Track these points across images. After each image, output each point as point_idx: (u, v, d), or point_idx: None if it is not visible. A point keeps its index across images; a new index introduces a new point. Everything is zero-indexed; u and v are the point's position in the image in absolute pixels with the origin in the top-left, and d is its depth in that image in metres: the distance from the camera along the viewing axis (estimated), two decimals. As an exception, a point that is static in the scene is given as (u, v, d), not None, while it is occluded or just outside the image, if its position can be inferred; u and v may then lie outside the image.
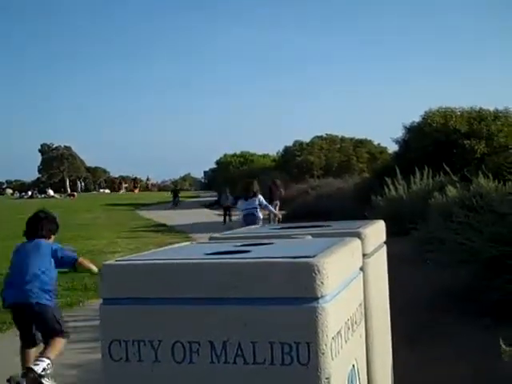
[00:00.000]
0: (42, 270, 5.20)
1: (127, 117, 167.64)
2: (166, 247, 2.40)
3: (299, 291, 1.66)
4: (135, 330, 1.80)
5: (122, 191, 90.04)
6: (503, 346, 3.70)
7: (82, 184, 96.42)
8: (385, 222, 3.22)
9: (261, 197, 13.05)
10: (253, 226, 4.19)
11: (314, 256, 1.72)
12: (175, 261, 1.85)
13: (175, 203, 40.15)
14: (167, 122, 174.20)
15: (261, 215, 12.97)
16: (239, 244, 2.24)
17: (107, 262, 1.89)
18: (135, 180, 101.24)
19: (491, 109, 20.26)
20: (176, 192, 43.28)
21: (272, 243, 2.22)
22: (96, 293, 8.25)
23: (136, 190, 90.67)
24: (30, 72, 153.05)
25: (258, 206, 12.73)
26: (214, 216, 29.92)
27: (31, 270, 5.17)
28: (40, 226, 5.48)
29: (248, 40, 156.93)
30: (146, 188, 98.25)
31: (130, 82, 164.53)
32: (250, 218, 12.19)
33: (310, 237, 2.41)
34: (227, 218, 24.92)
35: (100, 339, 1.85)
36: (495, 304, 6.39)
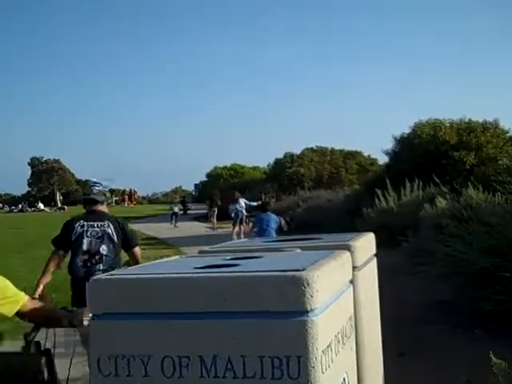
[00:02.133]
0: (275, 228, 11.15)
1: (117, 130, 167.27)
2: (154, 261, 2.39)
3: (289, 305, 1.66)
4: (124, 344, 1.79)
5: (130, 203, 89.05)
6: (493, 359, 3.69)
7: (60, 198, 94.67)
8: (375, 233, 3.23)
9: (244, 200, 22.98)
10: (242, 240, 4.24)
11: (303, 269, 1.72)
12: (164, 275, 1.84)
13: (185, 212, 45.65)
14: (157, 134, 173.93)
15: (245, 212, 22.25)
16: (228, 258, 2.24)
17: (96, 277, 1.88)
18: (131, 192, 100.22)
19: (480, 120, 20.40)
20: (183, 202, 48.36)
21: (261, 256, 2.21)
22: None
23: (133, 203, 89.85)
24: (18, 85, 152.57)
25: (243, 206, 22.29)
26: (203, 229, 29.91)
27: (271, 227, 11.25)
28: (266, 205, 12.39)
29: (235, 52, 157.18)
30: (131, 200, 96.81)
31: (119, 95, 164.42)
32: (238, 213, 21.93)
33: (299, 250, 2.40)
34: (173, 221, 32.81)
35: (89, 355, 1.84)
36: (486, 315, 6.40)
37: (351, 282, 2.27)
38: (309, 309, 1.65)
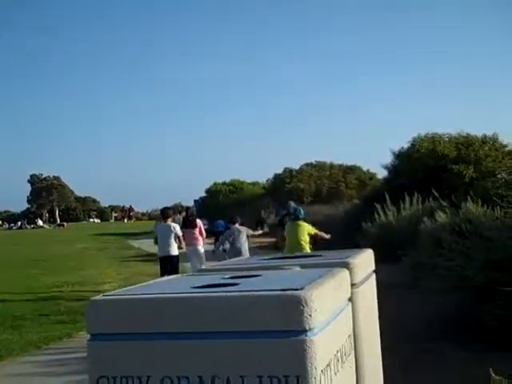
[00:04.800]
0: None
1: (116, 146, 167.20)
2: (153, 280, 2.39)
3: (287, 324, 1.66)
4: (123, 365, 1.78)
5: (133, 220, 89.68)
6: (493, 375, 3.69)
7: (46, 216, 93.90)
8: (374, 248, 3.23)
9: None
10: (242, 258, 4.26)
11: (301, 288, 1.72)
12: (162, 295, 1.84)
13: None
14: (156, 150, 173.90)
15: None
16: (227, 276, 2.24)
17: (94, 298, 1.88)
18: (130, 209, 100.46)
19: (479, 134, 20.46)
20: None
21: (260, 275, 2.21)
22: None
23: (132, 219, 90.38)
24: (18, 103, 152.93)
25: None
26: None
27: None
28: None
29: (235, 68, 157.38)
30: (129, 217, 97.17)
31: (119, 111, 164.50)
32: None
33: (298, 268, 2.41)
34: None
35: (88, 375, 1.83)
36: (486, 330, 6.39)
37: (350, 299, 2.27)
38: (307, 328, 1.65)
